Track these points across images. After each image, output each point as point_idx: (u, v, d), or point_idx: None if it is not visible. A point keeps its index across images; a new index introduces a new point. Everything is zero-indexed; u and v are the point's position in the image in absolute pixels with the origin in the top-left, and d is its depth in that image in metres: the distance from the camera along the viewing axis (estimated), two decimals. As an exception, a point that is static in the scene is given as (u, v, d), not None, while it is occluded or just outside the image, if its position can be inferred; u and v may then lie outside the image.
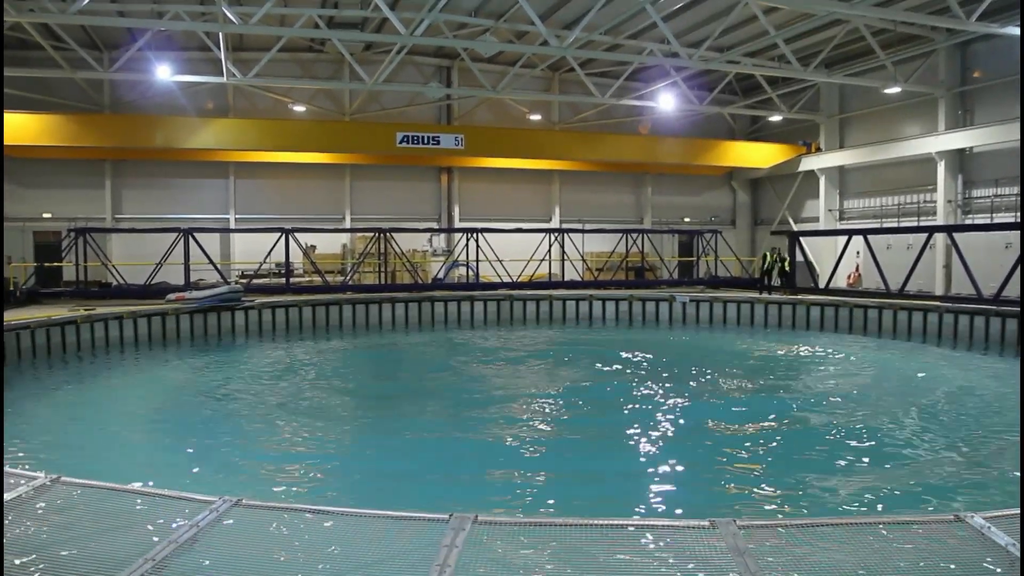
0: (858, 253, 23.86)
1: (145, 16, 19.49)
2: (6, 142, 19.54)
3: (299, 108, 25.97)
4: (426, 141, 24.93)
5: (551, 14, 20.87)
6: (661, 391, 11.42)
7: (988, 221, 21.65)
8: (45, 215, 24.29)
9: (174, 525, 3.55)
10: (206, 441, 8.61)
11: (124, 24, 18.40)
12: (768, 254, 23.36)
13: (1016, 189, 21.13)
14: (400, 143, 24.59)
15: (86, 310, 16.36)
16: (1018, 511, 3.46)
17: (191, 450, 8.37)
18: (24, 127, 21.06)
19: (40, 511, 3.77)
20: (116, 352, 15.65)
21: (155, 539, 3.40)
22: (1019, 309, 15.15)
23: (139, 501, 3.94)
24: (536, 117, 28.65)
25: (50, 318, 15.01)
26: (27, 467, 5.34)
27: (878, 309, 18.37)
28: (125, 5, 19.62)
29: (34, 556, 3.28)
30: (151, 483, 5.56)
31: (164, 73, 20.76)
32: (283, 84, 24.89)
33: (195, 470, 7.61)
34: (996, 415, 9.76)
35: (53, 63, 21.46)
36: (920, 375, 12.97)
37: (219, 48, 19.92)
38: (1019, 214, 19.89)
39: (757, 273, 23.76)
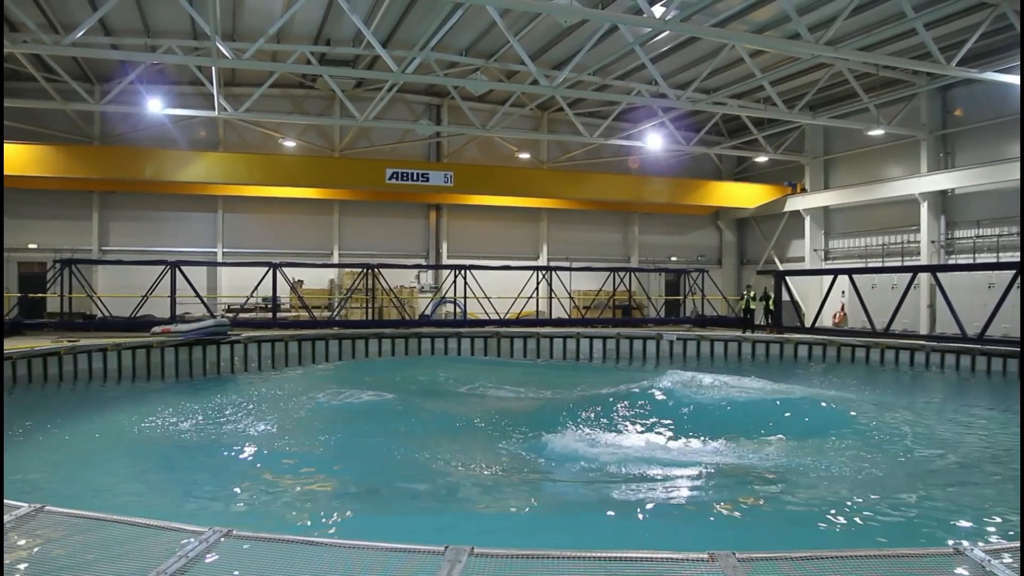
0: (843, 293, 24.07)
1: (138, 49, 19.67)
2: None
3: (289, 143, 26.12)
4: (415, 178, 25.04)
5: (541, 54, 21.18)
6: (655, 423, 11.30)
7: (971, 261, 21.93)
8: (31, 245, 24.13)
9: (162, 556, 3.43)
10: (194, 472, 8.45)
11: (117, 57, 18.51)
12: (746, 292, 23.73)
13: (997, 230, 21.46)
14: (389, 179, 24.69)
15: (70, 342, 16.15)
16: (1018, 544, 3.44)
17: (179, 481, 8.21)
18: (13, 157, 20.97)
19: (23, 541, 3.64)
20: (100, 384, 15.40)
21: (143, 570, 3.29)
22: (1012, 348, 15.31)
23: (126, 531, 3.79)
24: (525, 155, 28.91)
25: (33, 349, 14.81)
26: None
27: (865, 348, 18.48)
28: (118, 38, 19.78)
29: (17, 588, 3.18)
30: (137, 513, 5.41)
31: (155, 106, 20.81)
32: (274, 119, 25.02)
33: (183, 501, 7.45)
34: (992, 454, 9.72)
35: (45, 94, 21.50)
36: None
37: (211, 82, 20.04)
38: (1020, 253, 20.02)
39: (743, 311, 24.00)
